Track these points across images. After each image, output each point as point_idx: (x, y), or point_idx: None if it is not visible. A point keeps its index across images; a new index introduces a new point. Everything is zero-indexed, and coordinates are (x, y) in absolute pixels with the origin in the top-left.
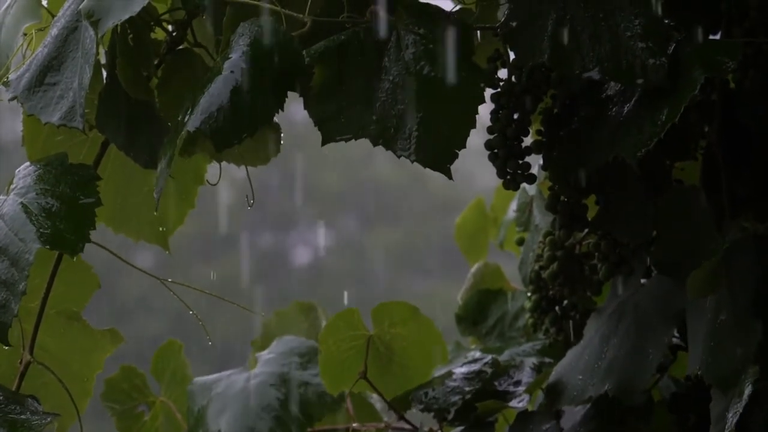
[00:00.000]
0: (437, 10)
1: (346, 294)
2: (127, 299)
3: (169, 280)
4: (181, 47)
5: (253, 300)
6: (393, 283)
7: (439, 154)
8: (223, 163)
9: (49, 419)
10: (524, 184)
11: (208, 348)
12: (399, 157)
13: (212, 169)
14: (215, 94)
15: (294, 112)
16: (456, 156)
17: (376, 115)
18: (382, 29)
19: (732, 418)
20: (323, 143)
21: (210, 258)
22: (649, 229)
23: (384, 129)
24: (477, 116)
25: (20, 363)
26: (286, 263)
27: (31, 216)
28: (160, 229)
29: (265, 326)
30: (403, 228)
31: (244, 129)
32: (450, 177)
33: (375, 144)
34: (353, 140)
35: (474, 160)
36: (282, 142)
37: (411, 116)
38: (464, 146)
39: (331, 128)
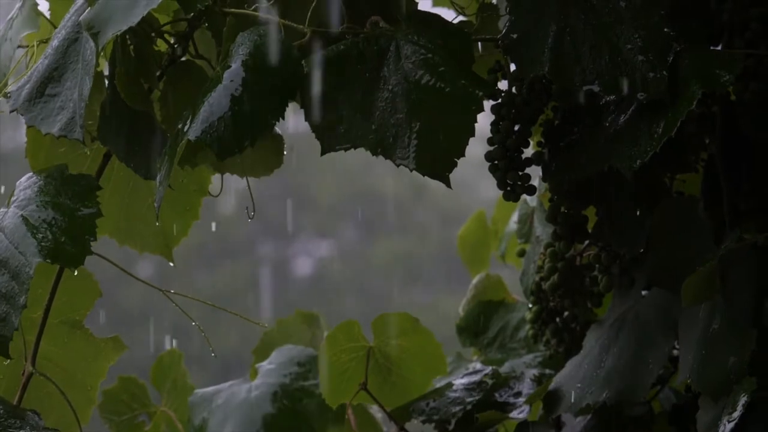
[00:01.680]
0: (437, 19)
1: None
2: (129, 309)
3: (172, 291)
4: (182, 59)
5: (254, 310)
6: (394, 294)
7: (438, 162)
8: (225, 175)
9: None
10: (526, 196)
11: (209, 357)
12: (398, 165)
13: (214, 180)
14: (215, 103)
15: (295, 122)
16: (455, 164)
17: (375, 124)
18: (382, 39)
19: (725, 427)
20: (322, 153)
21: (212, 268)
22: (644, 240)
23: (383, 138)
24: (476, 124)
25: (23, 374)
26: (288, 274)
27: (31, 229)
28: (164, 240)
29: (267, 335)
30: (404, 238)
31: (244, 138)
32: (449, 185)
33: (374, 153)
34: (352, 150)
35: (476, 171)
36: (285, 153)
37: (409, 125)
38: (463, 155)
39: (330, 138)
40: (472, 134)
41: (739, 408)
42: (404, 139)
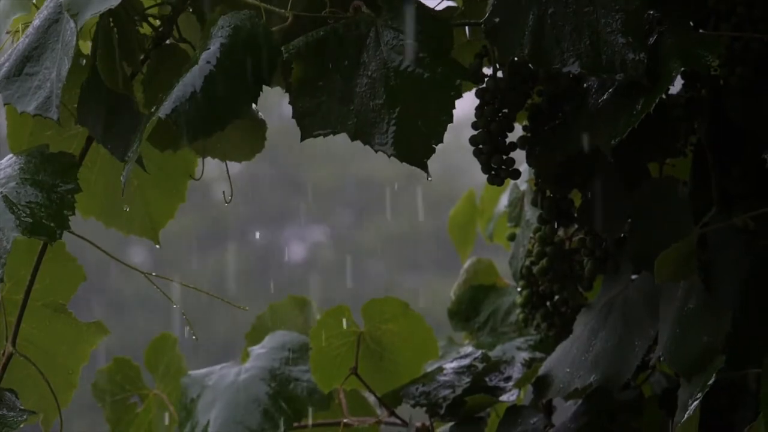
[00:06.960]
0: (417, 5)
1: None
2: (125, 294)
3: (154, 274)
4: (166, 42)
5: (248, 295)
6: (386, 278)
7: (416, 148)
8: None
9: (25, 416)
10: (516, 180)
11: (205, 342)
12: (376, 151)
13: (208, 165)
14: (189, 83)
15: (286, 107)
16: (433, 150)
17: (354, 110)
18: (362, 24)
19: (693, 404)
20: (302, 138)
21: (206, 254)
22: (624, 223)
23: (362, 124)
24: (454, 111)
25: (3, 355)
26: (281, 259)
27: (11, 205)
28: (150, 222)
29: (260, 320)
30: (396, 223)
31: (215, 120)
32: (427, 172)
33: (353, 139)
34: (333, 135)
35: (467, 155)
36: (266, 138)
37: (388, 111)
38: (441, 141)
39: (309, 123)
40: (451, 120)
41: (707, 387)
42: (383, 125)
